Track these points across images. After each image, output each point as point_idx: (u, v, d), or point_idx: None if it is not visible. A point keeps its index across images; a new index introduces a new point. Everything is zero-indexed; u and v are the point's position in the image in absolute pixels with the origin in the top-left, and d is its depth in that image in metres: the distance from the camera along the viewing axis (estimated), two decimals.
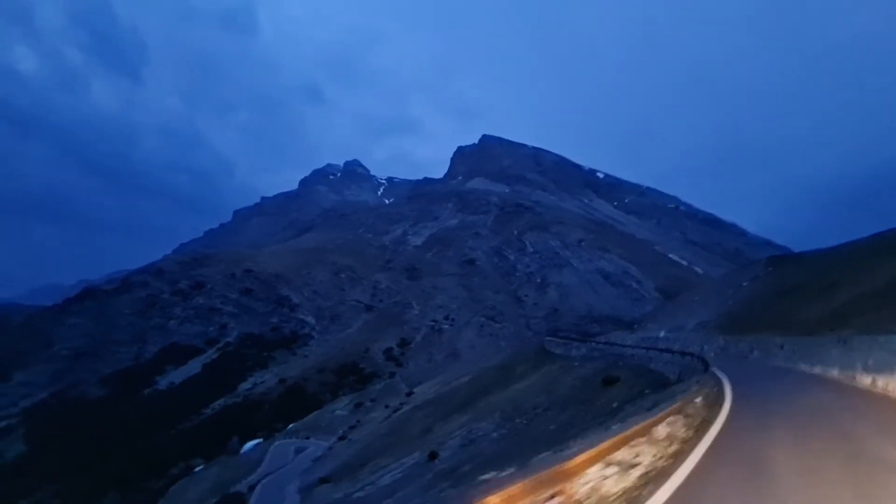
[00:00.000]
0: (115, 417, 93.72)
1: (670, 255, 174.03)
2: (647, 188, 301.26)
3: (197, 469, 71.40)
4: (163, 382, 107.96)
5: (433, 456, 21.28)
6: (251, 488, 37.21)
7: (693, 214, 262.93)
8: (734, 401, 9.51)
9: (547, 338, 49.81)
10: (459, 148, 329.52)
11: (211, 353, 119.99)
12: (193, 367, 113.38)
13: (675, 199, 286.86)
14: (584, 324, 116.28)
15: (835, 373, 13.18)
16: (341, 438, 49.76)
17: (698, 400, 8.32)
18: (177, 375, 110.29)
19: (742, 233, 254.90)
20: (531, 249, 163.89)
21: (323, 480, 30.47)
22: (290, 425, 78.89)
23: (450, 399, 36.40)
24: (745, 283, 38.41)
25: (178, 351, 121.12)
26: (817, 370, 14.74)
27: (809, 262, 35.60)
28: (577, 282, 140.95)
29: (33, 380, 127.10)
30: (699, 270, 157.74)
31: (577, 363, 28.41)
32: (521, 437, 18.94)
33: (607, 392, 18.45)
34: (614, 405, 17.10)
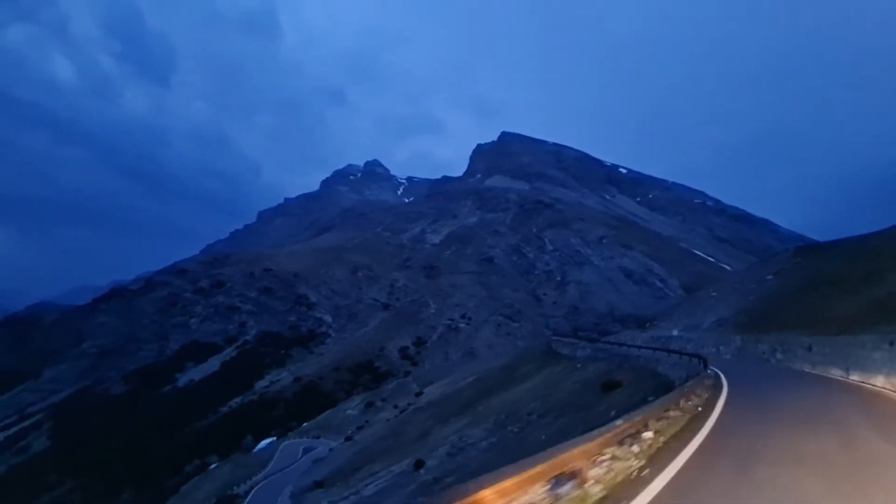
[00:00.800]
0: (136, 414, 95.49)
1: (696, 252, 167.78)
2: (673, 183, 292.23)
3: (212, 467, 71.74)
4: (182, 380, 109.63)
5: (419, 465, 19.65)
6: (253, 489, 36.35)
7: (721, 210, 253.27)
8: (712, 435, 6.13)
9: (554, 337, 47.50)
10: (479, 146, 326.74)
11: (230, 351, 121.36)
12: (213, 364, 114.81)
13: (701, 194, 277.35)
14: (604, 323, 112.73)
15: (879, 381, 10.82)
16: (348, 439, 48.65)
17: (647, 436, 5.11)
18: (196, 373, 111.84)
19: (773, 228, 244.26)
20: (551, 247, 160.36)
21: (317, 485, 29.24)
22: (304, 424, 78.69)
23: (451, 401, 34.68)
24: (769, 277, 34.89)
25: (198, 348, 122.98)
26: (854, 378, 12.30)
27: (843, 251, 32.04)
28: (597, 280, 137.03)
29: (62, 376, 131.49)
30: (727, 267, 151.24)
31: (579, 365, 26.23)
32: (509, 448, 17.08)
33: (607, 398, 16.42)
34: (612, 413, 15.08)
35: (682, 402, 7.29)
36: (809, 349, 15.79)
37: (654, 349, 20.37)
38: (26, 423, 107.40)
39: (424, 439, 26.92)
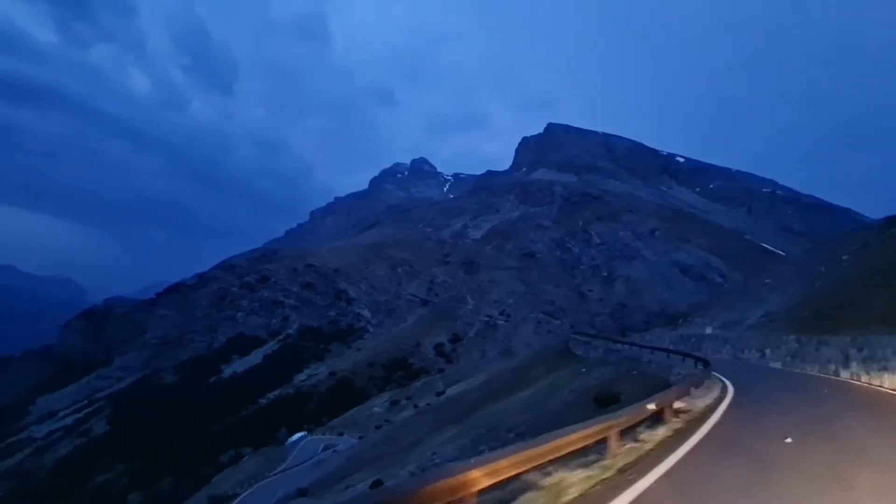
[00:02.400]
0: (184, 403, 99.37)
1: (764, 245, 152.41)
2: (737, 172, 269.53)
3: (244, 458, 72.61)
4: (227, 371, 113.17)
5: (376, 486, 16.35)
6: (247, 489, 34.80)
7: (793, 199, 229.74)
8: None
9: (572, 335, 42.50)
10: (524, 139, 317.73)
11: (272, 345, 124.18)
12: (255, 357, 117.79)
13: (770, 182, 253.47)
14: (655, 321, 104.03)
15: None
16: (361, 437, 46.38)
17: None
18: (240, 365, 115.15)
19: (857, 218, 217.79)
20: (598, 241, 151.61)
21: (300, 493, 26.78)
22: (334, 420, 78.04)
23: (454, 406, 31.19)
24: (844, 257, 27.45)
25: (243, 341, 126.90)
26: None
27: None
28: (648, 275, 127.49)
29: (128, 365, 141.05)
30: None
31: (584, 369, 21.77)
32: None
33: (600, 416, 12.24)
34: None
35: None
36: None
37: (668, 352, 15.77)
38: (92, 408, 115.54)
39: (412, 450, 23.64)
